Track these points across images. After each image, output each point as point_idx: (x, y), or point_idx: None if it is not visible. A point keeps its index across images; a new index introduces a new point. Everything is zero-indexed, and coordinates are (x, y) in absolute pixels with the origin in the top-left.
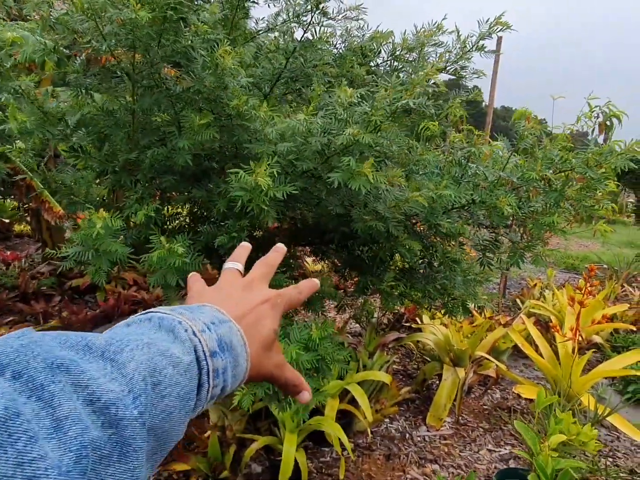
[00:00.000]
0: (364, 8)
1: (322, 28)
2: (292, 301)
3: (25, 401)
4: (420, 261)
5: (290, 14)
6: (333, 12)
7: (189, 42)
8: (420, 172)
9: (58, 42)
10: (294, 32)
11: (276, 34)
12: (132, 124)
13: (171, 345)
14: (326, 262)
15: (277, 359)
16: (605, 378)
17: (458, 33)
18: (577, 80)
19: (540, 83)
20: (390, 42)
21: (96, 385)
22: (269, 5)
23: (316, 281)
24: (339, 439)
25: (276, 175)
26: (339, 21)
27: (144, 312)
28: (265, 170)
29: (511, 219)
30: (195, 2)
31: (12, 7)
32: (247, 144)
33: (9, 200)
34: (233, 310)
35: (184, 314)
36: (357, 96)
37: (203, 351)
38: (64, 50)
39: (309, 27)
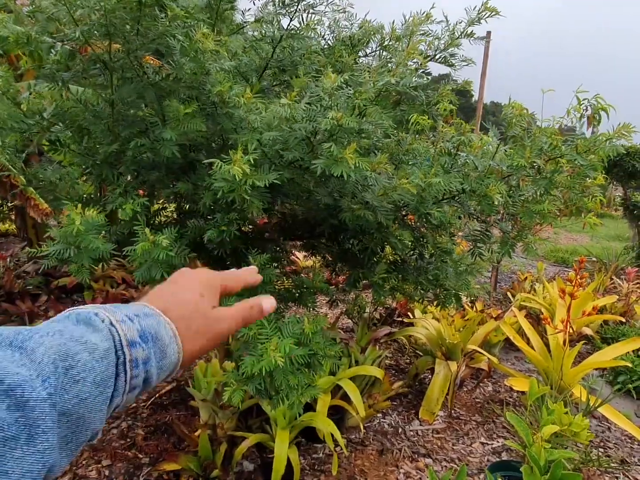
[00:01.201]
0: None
1: (309, 16)
2: (228, 283)
3: None
4: (412, 253)
5: (276, 2)
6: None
7: (166, 27)
8: (410, 162)
9: (35, 32)
10: (280, 20)
11: (262, 23)
12: (112, 115)
13: (86, 333)
14: (317, 257)
15: (220, 323)
16: (596, 369)
17: (447, 20)
18: (569, 77)
19: (531, 78)
20: (379, 33)
21: (0, 367)
22: (253, 3)
23: (254, 270)
24: (332, 435)
25: (252, 163)
26: (327, 13)
27: (64, 311)
28: (241, 158)
29: (502, 210)
30: None
31: None
32: (231, 133)
33: None
34: (164, 303)
35: (105, 307)
36: (340, 81)
37: (120, 341)
38: (48, 40)
39: (296, 14)
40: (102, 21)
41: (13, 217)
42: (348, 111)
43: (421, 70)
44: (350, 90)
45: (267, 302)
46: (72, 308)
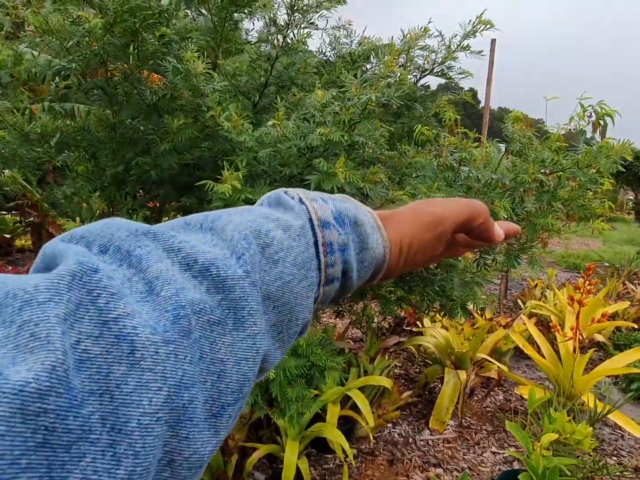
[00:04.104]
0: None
1: (302, 31)
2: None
3: (116, 269)
4: None
5: (268, 21)
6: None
7: (157, 48)
8: (414, 175)
9: (35, 66)
10: (275, 39)
11: (259, 43)
12: (115, 138)
13: (275, 212)
14: None
15: (431, 206)
16: (609, 377)
17: (442, 35)
18: (577, 81)
19: (538, 84)
20: (378, 49)
21: (189, 247)
22: (253, 23)
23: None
24: (341, 446)
25: (241, 179)
26: (327, 30)
27: None
28: (230, 175)
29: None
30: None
31: (8, 25)
32: (230, 154)
33: (9, 216)
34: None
35: (293, 189)
36: (329, 97)
37: (310, 219)
38: (49, 72)
39: (288, 30)
40: (95, 49)
41: (29, 234)
42: (336, 126)
43: (420, 84)
44: (337, 105)
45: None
46: None
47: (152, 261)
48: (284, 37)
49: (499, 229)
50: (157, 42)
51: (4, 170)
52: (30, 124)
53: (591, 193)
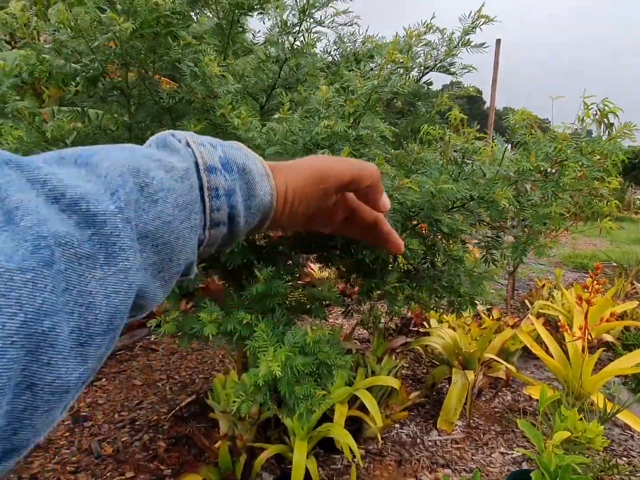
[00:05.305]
0: (356, 17)
1: (310, 35)
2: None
3: None
4: (423, 261)
5: (279, 23)
6: (322, 17)
7: (179, 55)
8: (420, 171)
9: (56, 66)
10: (284, 41)
11: (267, 45)
12: (130, 139)
13: (159, 153)
14: (332, 268)
15: (319, 161)
16: (618, 377)
17: (441, 32)
18: (582, 80)
19: (544, 82)
20: (382, 48)
21: (57, 179)
22: (263, 22)
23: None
24: (349, 446)
25: None
26: (332, 27)
27: None
28: None
29: (513, 214)
30: (192, 14)
31: (10, 33)
32: None
33: None
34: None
35: (184, 132)
36: (332, 91)
37: (196, 163)
38: (70, 71)
39: (299, 34)
40: (118, 51)
41: None
42: (341, 119)
43: (424, 81)
44: (341, 99)
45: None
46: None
47: (12, 190)
48: (294, 40)
49: (386, 199)
50: (178, 49)
51: None
52: (46, 125)
53: (597, 183)
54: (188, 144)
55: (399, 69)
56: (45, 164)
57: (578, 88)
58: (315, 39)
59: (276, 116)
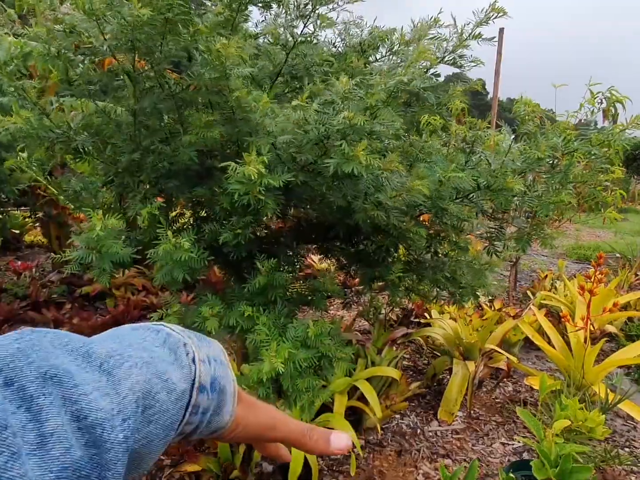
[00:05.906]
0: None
1: (320, 22)
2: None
3: (15, 411)
4: (426, 251)
5: (291, 9)
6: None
7: (194, 42)
8: (427, 160)
9: (61, 47)
10: (294, 27)
11: (279, 29)
12: (134, 124)
13: (170, 368)
14: (332, 260)
15: (270, 411)
16: (621, 367)
17: (455, 24)
18: (587, 70)
19: (547, 73)
20: (388, 38)
21: (86, 401)
22: (267, 14)
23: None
24: None
25: (267, 163)
26: (338, 12)
27: (155, 322)
28: (255, 159)
29: (515, 205)
30: (203, 6)
31: (16, 21)
32: (247, 136)
33: (18, 211)
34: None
35: (191, 338)
36: (352, 84)
37: (193, 383)
38: (69, 55)
39: (309, 20)
40: (129, 36)
41: (39, 228)
42: (360, 112)
43: (431, 72)
44: (361, 92)
45: (339, 440)
46: (163, 323)
47: (52, 414)
48: (305, 26)
49: (337, 440)
50: (189, 37)
51: (21, 153)
52: (50, 106)
53: (603, 175)
54: (193, 361)
55: (419, 64)
56: (76, 365)
57: (582, 79)
58: (324, 26)
59: (294, 103)
